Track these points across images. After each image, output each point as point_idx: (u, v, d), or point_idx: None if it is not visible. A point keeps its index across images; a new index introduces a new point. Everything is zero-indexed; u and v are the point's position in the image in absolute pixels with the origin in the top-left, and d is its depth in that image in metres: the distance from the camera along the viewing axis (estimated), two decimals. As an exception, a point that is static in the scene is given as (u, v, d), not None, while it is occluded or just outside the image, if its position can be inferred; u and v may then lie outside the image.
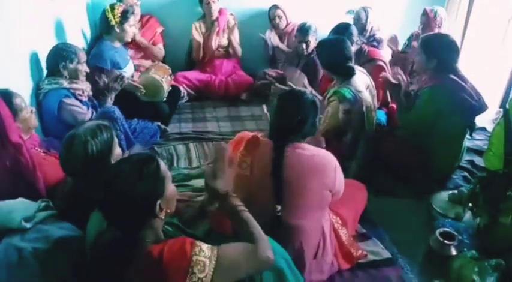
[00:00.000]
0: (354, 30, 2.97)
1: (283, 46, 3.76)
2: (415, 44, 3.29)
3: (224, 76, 3.85)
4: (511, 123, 1.88)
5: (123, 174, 1.15)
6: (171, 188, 1.25)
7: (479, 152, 2.83)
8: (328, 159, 1.68)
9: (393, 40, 3.37)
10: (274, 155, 1.61)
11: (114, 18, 2.95)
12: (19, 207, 1.52)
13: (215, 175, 1.37)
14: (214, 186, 1.36)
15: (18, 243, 1.40)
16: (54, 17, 2.78)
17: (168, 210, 1.23)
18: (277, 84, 2.89)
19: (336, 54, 2.37)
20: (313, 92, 3.04)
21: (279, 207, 1.60)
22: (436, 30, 3.23)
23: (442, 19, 3.27)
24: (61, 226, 1.53)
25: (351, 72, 2.36)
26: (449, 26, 3.42)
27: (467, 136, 2.59)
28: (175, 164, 2.78)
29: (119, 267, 1.14)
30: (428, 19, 3.28)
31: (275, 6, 3.83)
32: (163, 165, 1.23)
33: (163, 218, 1.22)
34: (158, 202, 1.18)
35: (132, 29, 3.09)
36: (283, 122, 1.66)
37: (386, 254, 2.01)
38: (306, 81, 3.25)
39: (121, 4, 3.11)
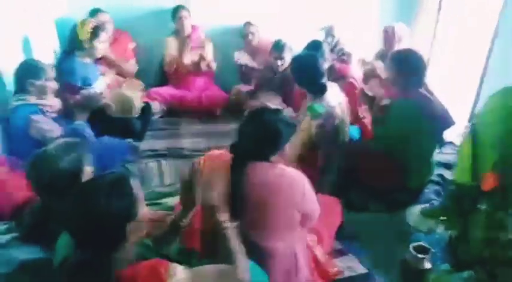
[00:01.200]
0: (326, 47, 3.03)
1: (252, 63, 3.77)
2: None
3: (198, 91, 3.83)
4: (478, 138, 1.94)
5: (94, 193, 1.11)
6: (143, 210, 1.20)
7: (448, 166, 2.91)
8: (297, 178, 1.60)
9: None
10: (232, 175, 1.54)
11: (84, 34, 2.90)
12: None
13: (211, 187, 1.35)
14: (209, 198, 1.35)
15: (-22, 270, 1.33)
16: (21, 33, 2.71)
17: (140, 234, 1.19)
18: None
19: (309, 70, 2.40)
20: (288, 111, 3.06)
21: (234, 224, 1.50)
22: (396, 46, 3.33)
23: (400, 35, 3.36)
24: (24, 249, 1.46)
25: (323, 88, 2.39)
26: (411, 41, 3.52)
27: (436, 150, 2.66)
28: (147, 183, 2.71)
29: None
30: (387, 36, 3.40)
31: (248, 23, 3.87)
32: (136, 186, 1.19)
33: (134, 240, 1.18)
34: (129, 224, 1.13)
35: (102, 45, 3.03)
36: (242, 141, 1.60)
37: (362, 270, 2.02)
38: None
39: (92, 20, 3.06)
